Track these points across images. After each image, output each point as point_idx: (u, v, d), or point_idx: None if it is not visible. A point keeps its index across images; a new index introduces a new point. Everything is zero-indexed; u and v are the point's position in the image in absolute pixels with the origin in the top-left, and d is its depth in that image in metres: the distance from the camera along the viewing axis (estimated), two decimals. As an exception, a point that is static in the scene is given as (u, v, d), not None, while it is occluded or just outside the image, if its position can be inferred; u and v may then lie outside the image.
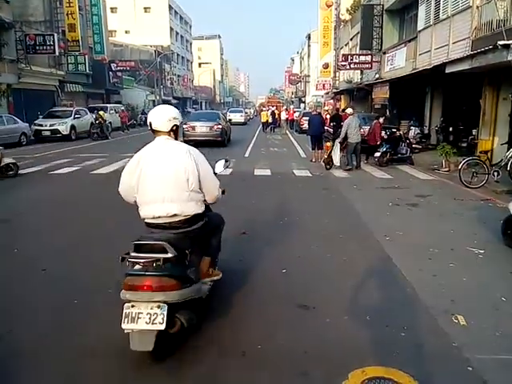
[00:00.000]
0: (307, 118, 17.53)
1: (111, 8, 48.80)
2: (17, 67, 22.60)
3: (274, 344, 3.19)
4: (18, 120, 19.07)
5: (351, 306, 3.79)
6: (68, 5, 28.03)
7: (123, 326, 2.77)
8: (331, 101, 37.90)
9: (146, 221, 3.23)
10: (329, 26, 37.91)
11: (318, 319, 3.54)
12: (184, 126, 17.46)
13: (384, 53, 20.76)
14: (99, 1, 33.33)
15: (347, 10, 30.01)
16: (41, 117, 21.50)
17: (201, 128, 17.84)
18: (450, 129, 15.56)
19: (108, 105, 30.39)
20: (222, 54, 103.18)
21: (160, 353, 2.87)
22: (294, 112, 34.07)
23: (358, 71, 25.24)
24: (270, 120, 28.92)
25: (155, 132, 3.21)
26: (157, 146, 3.18)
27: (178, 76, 62.39)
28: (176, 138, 3.29)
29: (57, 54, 25.43)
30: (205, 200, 3.29)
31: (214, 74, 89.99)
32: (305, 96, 61.59)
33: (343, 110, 20.03)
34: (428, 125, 17.26)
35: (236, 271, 4.55)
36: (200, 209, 3.24)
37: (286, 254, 5.12)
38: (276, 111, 31.70)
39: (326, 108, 22.15)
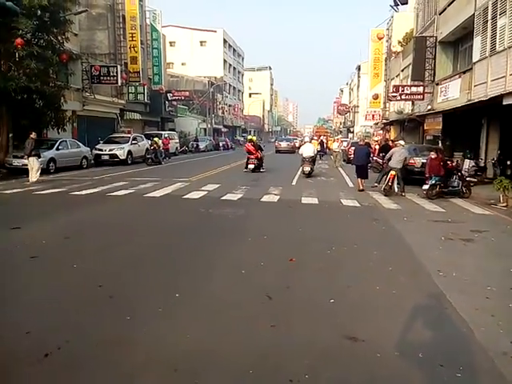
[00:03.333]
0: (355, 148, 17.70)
1: (170, 42, 51.77)
2: (82, 95, 24.36)
3: (322, 375, 3.15)
4: (81, 144, 20.45)
5: (402, 341, 3.67)
6: (131, 39, 30.23)
7: (303, 168, 17.25)
8: (381, 131, 37.47)
9: (304, 157, 17.37)
10: (379, 58, 37.95)
11: (368, 353, 3.45)
12: (276, 144, 41.42)
13: (437, 84, 20.38)
14: (159, 36, 35.56)
15: (399, 42, 29.95)
16: (101, 142, 22.88)
17: (283, 144, 39.85)
18: (508, 162, 14.88)
19: (162, 132, 31.85)
20: (272, 85, 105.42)
21: (308, 175, 17.14)
22: (342, 142, 34.38)
23: (409, 102, 24.89)
24: (319, 148, 30.04)
25: (306, 142, 20.70)
26: (308, 144, 18.93)
27: (229, 105, 64.41)
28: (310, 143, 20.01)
29: (119, 84, 27.18)
30: (314, 153, 18.28)
31: (263, 104, 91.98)
32: (353, 126, 61.31)
33: (393, 141, 19.80)
34: (484, 157, 16.55)
35: (283, 298, 4.56)
36: (314, 154, 17.91)
37: (334, 283, 5.06)
38: (324, 140, 34.33)
39: (376, 138, 21.89)
